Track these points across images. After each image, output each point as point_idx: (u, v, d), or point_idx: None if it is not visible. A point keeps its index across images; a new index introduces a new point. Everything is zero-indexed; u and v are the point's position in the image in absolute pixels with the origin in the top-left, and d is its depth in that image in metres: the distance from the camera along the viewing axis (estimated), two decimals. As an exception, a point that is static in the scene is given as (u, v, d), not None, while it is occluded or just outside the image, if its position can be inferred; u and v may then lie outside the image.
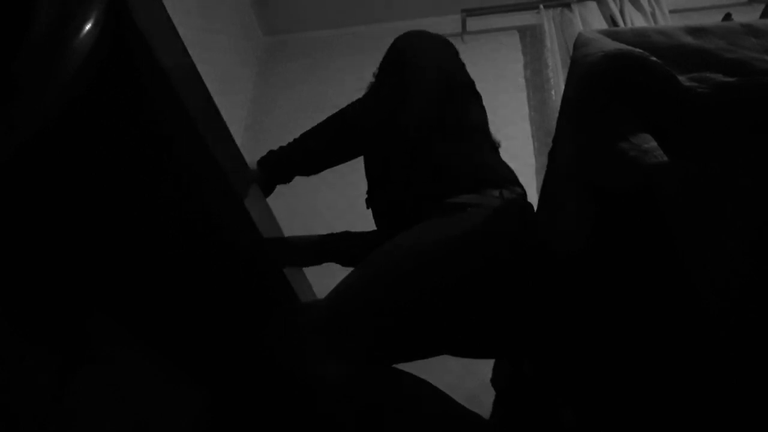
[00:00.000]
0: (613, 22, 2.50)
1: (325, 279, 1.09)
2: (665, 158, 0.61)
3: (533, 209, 0.93)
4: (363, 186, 1.15)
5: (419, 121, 1.05)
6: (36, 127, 0.54)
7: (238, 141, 2.53)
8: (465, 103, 1.14)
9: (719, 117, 0.63)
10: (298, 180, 1.13)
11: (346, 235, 1.14)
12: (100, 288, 1.07)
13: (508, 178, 1.02)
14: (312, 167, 1.13)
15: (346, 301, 0.85)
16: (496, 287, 0.86)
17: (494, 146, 1.15)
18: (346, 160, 1.16)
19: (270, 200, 1.10)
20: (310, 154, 1.10)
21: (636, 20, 2.48)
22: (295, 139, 1.11)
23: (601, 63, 0.68)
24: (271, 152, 1.09)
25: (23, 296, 0.95)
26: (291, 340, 0.82)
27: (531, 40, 2.84)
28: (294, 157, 1.09)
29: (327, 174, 1.15)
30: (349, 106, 1.12)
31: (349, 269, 0.96)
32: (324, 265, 1.12)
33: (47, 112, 0.54)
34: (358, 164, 1.18)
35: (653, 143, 0.63)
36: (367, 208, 1.17)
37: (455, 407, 0.82)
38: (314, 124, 1.12)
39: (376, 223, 1.15)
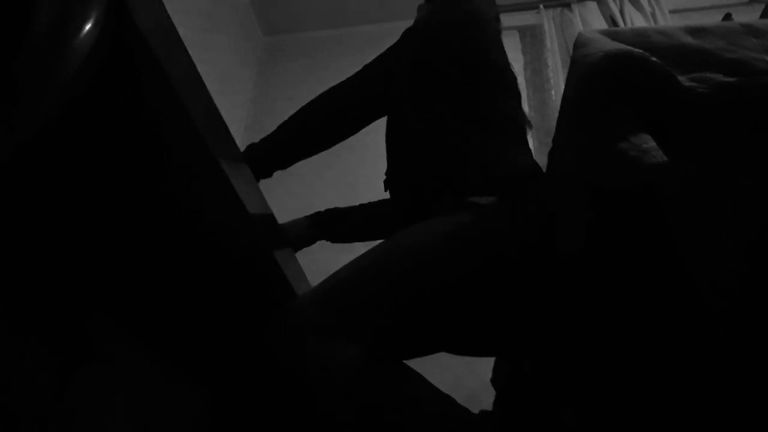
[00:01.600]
0: (613, 22, 2.50)
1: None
2: (665, 158, 0.61)
3: (542, 207, 0.91)
4: (361, 186, 1.16)
5: (450, 106, 1.02)
6: (36, 127, 0.54)
7: (238, 141, 2.53)
8: (500, 88, 1.10)
9: (719, 117, 0.63)
10: (295, 179, 1.14)
11: (334, 211, 1.15)
12: (100, 288, 1.07)
13: (531, 177, 0.99)
14: (291, 157, 1.11)
15: (346, 300, 0.85)
16: (497, 287, 0.86)
17: (524, 138, 1.10)
18: (342, 139, 1.13)
19: (268, 200, 1.10)
20: (301, 135, 1.08)
21: (636, 20, 2.48)
22: (278, 127, 1.09)
23: (601, 63, 0.68)
24: (251, 145, 1.08)
25: (23, 296, 0.95)
26: (290, 340, 0.82)
27: (531, 40, 2.84)
28: (278, 146, 1.08)
29: (325, 172, 1.16)
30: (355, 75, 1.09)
31: (340, 259, 0.96)
32: (323, 266, 1.13)
33: (47, 112, 0.54)
34: (355, 164, 1.19)
35: (653, 143, 0.63)
36: (385, 190, 1.16)
37: (455, 407, 0.82)
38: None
39: (394, 205, 1.14)
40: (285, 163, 1.12)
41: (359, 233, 1.21)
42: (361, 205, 1.25)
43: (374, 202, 1.25)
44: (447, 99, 1.04)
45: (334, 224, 1.20)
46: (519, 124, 1.10)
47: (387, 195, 1.19)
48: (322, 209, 1.24)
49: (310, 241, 1.20)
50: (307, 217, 1.21)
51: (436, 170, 0.99)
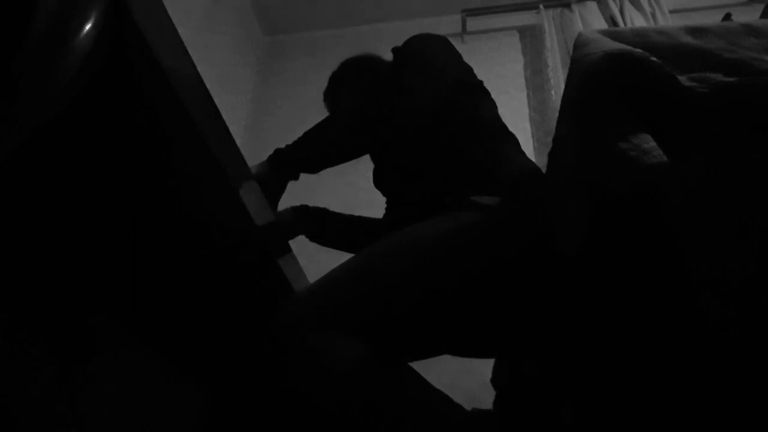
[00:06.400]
0: (613, 22, 2.50)
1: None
2: (665, 158, 0.61)
3: (543, 208, 0.91)
4: (361, 185, 1.15)
5: (456, 119, 1.04)
6: (35, 127, 0.54)
7: (238, 141, 2.53)
8: (488, 100, 1.16)
9: (719, 117, 0.63)
10: (296, 180, 1.13)
11: (322, 210, 1.20)
12: (101, 288, 1.07)
13: (533, 178, 1.00)
14: (320, 163, 1.11)
15: (344, 297, 0.85)
16: (498, 289, 0.86)
17: (520, 147, 1.14)
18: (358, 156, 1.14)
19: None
20: (321, 147, 1.08)
21: (636, 20, 2.48)
22: (305, 133, 1.09)
23: (601, 63, 0.68)
24: (278, 149, 1.08)
25: (24, 295, 0.95)
26: (287, 337, 0.82)
27: (531, 40, 2.84)
28: (303, 150, 1.07)
29: (326, 174, 1.15)
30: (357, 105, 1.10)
31: (340, 259, 0.95)
32: (323, 266, 1.12)
33: (47, 112, 0.55)
34: (356, 164, 1.18)
35: (653, 143, 0.63)
36: (390, 224, 1.13)
37: (455, 409, 0.82)
38: (314, 124, 1.11)
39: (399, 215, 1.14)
40: (313, 163, 1.10)
41: (337, 240, 1.23)
42: (351, 216, 1.26)
43: (365, 218, 1.26)
44: (466, 116, 1.06)
45: (315, 222, 1.20)
46: (513, 135, 1.15)
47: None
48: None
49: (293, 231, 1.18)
50: (293, 209, 1.19)
51: (439, 172, 1.00)
